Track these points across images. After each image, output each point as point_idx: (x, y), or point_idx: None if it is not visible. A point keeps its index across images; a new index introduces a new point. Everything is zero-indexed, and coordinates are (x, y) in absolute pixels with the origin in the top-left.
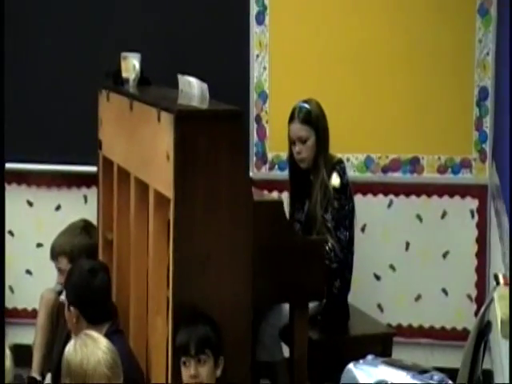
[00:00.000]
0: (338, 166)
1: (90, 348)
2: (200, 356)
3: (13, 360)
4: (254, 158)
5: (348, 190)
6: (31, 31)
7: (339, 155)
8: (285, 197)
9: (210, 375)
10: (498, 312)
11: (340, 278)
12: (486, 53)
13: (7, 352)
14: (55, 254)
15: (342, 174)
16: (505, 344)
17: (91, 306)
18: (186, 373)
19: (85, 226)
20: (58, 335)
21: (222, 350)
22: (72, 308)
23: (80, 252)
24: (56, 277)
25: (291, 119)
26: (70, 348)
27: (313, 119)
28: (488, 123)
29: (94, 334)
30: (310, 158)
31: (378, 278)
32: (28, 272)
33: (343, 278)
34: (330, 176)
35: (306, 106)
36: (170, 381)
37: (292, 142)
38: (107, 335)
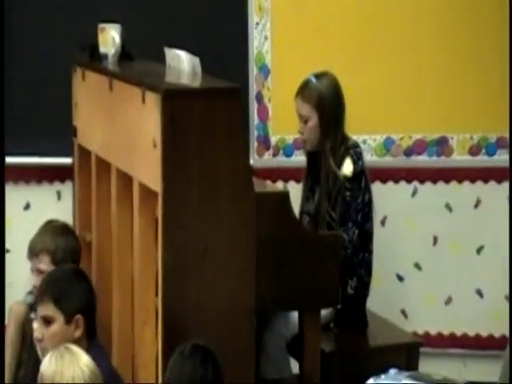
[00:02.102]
0: (353, 151)
1: (66, 362)
2: None
3: None
4: (256, 143)
5: (363, 178)
6: None
7: (354, 137)
8: (291, 187)
9: None
10: None
11: (356, 277)
12: None
13: None
14: (36, 252)
15: (356, 160)
16: None
17: (94, 316)
18: None
19: (64, 226)
20: (31, 354)
21: None
22: (80, 317)
23: (65, 253)
24: (26, 287)
25: (296, 93)
26: (45, 359)
27: (316, 98)
28: None
29: (75, 347)
30: (312, 141)
31: (401, 278)
32: None
33: (359, 278)
34: (341, 162)
35: (314, 81)
36: None
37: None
38: (88, 350)
